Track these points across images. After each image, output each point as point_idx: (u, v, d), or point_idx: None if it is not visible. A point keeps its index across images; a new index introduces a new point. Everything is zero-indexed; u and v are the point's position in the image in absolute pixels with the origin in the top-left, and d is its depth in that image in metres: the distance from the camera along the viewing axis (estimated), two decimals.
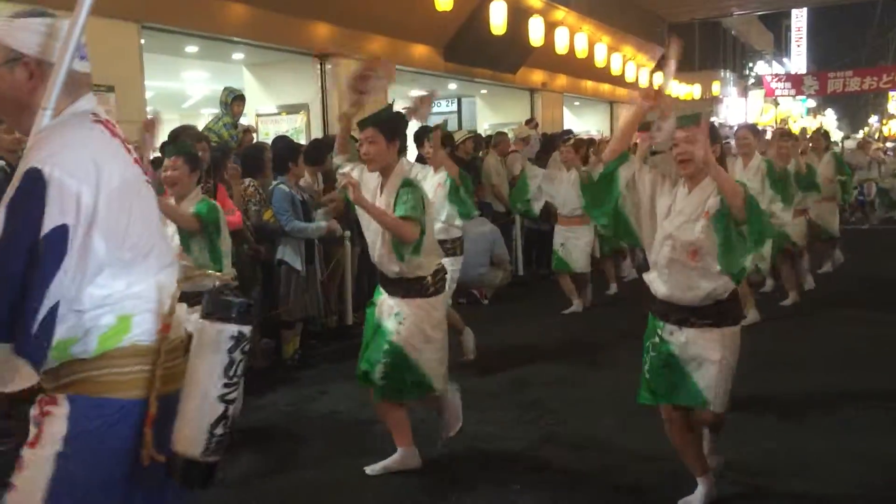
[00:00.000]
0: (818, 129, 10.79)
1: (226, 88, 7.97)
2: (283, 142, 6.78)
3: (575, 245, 7.74)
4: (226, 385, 1.82)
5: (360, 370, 4.03)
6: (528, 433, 4.62)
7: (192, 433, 1.80)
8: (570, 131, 8.65)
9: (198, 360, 1.83)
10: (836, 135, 37.67)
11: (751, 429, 4.44)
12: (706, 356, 3.33)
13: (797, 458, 4.14)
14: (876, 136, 30.96)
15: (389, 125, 3.89)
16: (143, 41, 7.53)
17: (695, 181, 3.31)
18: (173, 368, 1.87)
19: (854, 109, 47.91)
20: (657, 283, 3.41)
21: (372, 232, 3.93)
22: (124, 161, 1.86)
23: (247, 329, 1.85)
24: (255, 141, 7.58)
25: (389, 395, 3.99)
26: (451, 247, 5.88)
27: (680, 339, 3.37)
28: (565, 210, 7.69)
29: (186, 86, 12.05)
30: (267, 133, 10.09)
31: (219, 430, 1.81)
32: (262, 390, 5.40)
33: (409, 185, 3.86)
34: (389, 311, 3.96)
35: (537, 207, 7.86)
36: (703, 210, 3.24)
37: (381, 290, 4.05)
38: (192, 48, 9.27)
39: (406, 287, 3.94)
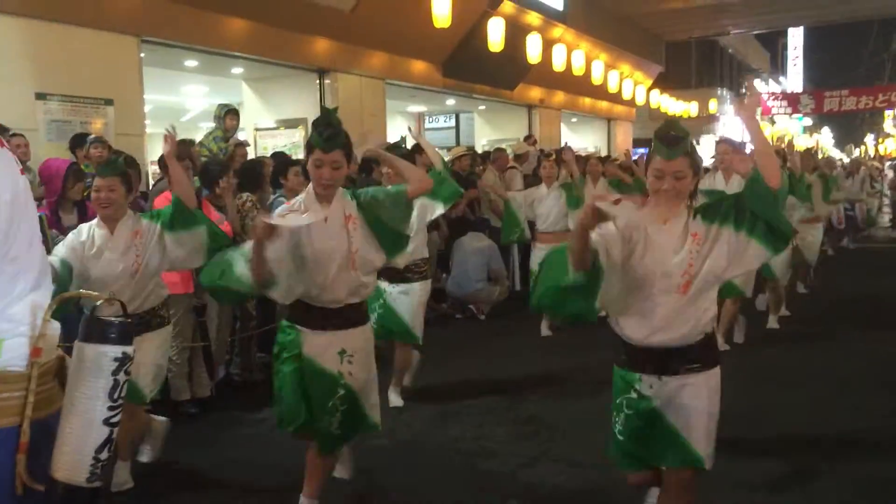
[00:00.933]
0: (808, 149, 10.64)
1: (220, 105, 8.02)
2: (277, 157, 6.85)
3: None
4: (110, 408, 1.75)
5: (296, 421, 3.47)
6: (525, 449, 4.60)
7: (74, 459, 1.73)
8: (567, 147, 8.58)
9: (78, 384, 1.75)
10: (834, 153, 37.90)
11: (748, 446, 4.43)
12: (695, 406, 2.90)
13: (797, 476, 4.14)
14: (872, 155, 31.13)
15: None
16: (142, 55, 7.55)
17: (671, 213, 2.85)
18: (46, 392, 1.77)
19: (850, 128, 48.15)
20: (635, 327, 2.91)
21: (327, 253, 3.33)
22: (14, 174, 1.78)
23: (130, 349, 1.78)
24: (247, 155, 7.59)
25: (338, 444, 3.60)
26: (422, 269, 5.45)
27: (663, 391, 2.91)
28: (545, 225, 7.39)
29: (185, 100, 12.08)
30: (265, 147, 10.11)
31: (103, 455, 1.75)
32: (258, 404, 5.38)
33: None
34: (329, 352, 3.42)
35: (527, 231, 7.71)
36: (691, 232, 2.84)
37: (303, 330, 3.44)
38: (191, 62, 9.31)
39: (347, 316, 3.46)
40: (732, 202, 2.89)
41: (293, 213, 3.33)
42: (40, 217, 4.74)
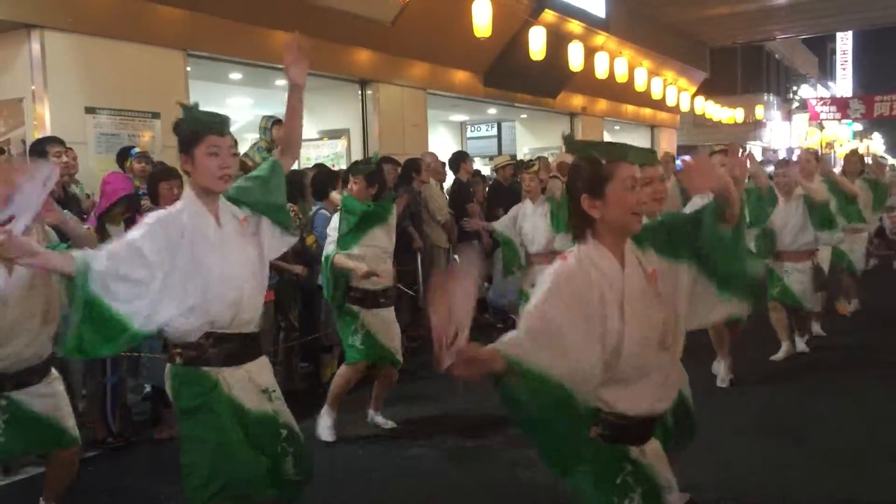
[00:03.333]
0: (853, 151, 9.65)
1: (265, 116, 8.12)
2: (320, 169, 6.89)
3: None
4: None
5: (257, 479, 2.84)
6: None
7: None
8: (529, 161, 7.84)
9: None
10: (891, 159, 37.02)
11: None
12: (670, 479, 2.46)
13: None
14: None
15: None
16: (188, 69, 7.69)
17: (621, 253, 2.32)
18: None
19: None
20: (629, 400, 2.34)
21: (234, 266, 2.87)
22: None
23: None
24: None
25: (300, 492, 3.09)
26: (392, 294, 5.19)
27: (649, 457, 2.43)
28: (533, 247, 6.44)
29: (230, 112, 12.22)
30: (308, 158, 10.21)
31: None
32: (300, 414, 5.40)
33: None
34: (253, 390, 2.91)
35: (523, 259, 6.76)
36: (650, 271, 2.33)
37: (218, 367, 2.83)
38: (236, 75, 9.45)
39: (256, 345, 3.00)
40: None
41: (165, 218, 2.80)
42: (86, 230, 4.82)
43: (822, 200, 6.47)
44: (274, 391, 2.97)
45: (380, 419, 5.31)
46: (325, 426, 5.04)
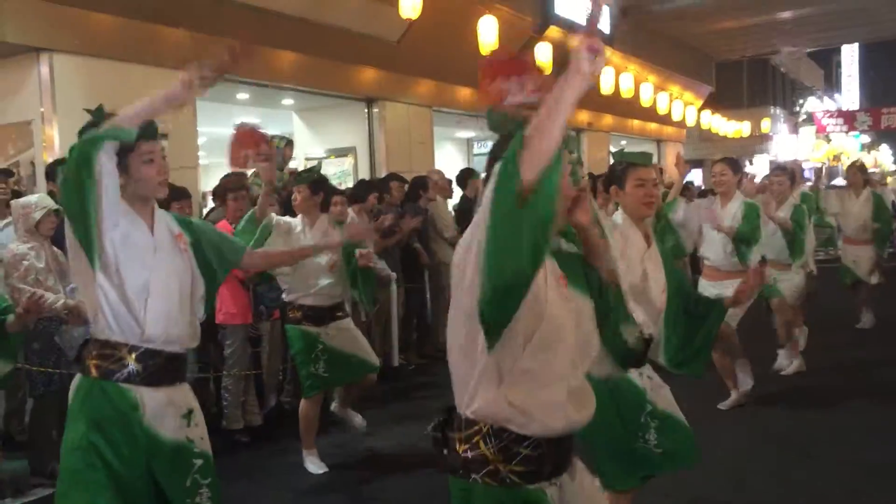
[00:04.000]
0: (854, 163, 9.43)
1: (274, 136, 8.16)
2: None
3: None
4: None
5: None
6: None
7: None
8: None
9: None
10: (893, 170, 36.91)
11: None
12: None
13: None
14: None
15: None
16: None
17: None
18: None
19: None
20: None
21: (172, 285, 2.70)
22: None
23: None
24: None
25: None
26: (342, 311, 4.95)
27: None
28: None
29: None
30: None
31: None
32: None
33: None
34: (172, 414, 2.66)
35: None
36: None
37: (137, 392, 2.59)
38: (243, 95, 9.50)
39: (182, 367, 2.80)
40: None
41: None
42: None
43: (789, 229, 6.30)
44: (195, 413, 2.73)
45: (357, 419, 5.14)
46: (311, 464, 4.85)
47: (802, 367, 6.67)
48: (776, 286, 6.39)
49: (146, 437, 2.56)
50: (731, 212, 5.59)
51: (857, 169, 8.67)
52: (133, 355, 2.58)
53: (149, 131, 2.73)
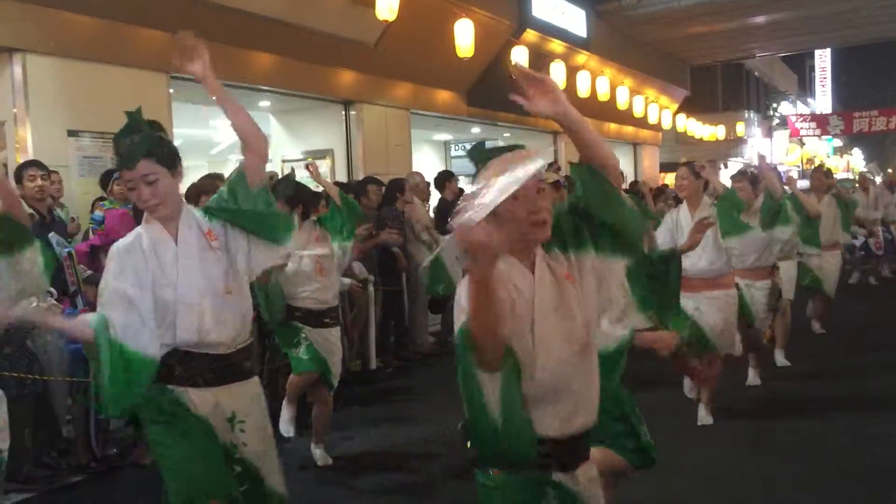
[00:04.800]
0: (819, 167, 9.22)
1: None
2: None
3: None
4: None
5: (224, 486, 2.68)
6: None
7: None
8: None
9: None
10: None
11: None
12: None
13: None
14: None
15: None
16: (171, 91, 7.69)
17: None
18: None
19: (881, 148, 47.56)
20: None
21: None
22: None
23: None
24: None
25: None
26: (330, 319, 4.96)
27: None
28: None
29: (214, 133, 12.25)
30: None
31: None
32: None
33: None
34: (218, 416, 2.72)
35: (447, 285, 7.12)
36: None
37: (186, 393, 2.71)
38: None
39: (232, 368, 2.79)
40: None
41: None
42: (69, 253, 4.81)
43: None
44: (242, 421, 2.75)
45: (319, 453, 4.98)
46: (284, 420, 4.87)
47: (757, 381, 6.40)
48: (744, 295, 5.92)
49: (203, 426, 2.69)
50: (704, 214, 5.34)
51: (822, 173, 8.53)
52: (176, 359, 2.69)
53: (125, 161, 2.69)
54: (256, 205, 2.75)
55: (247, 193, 2.75)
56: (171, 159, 2.73)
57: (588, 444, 2.20)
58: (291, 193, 4.76)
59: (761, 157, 7.13)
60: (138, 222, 2.90)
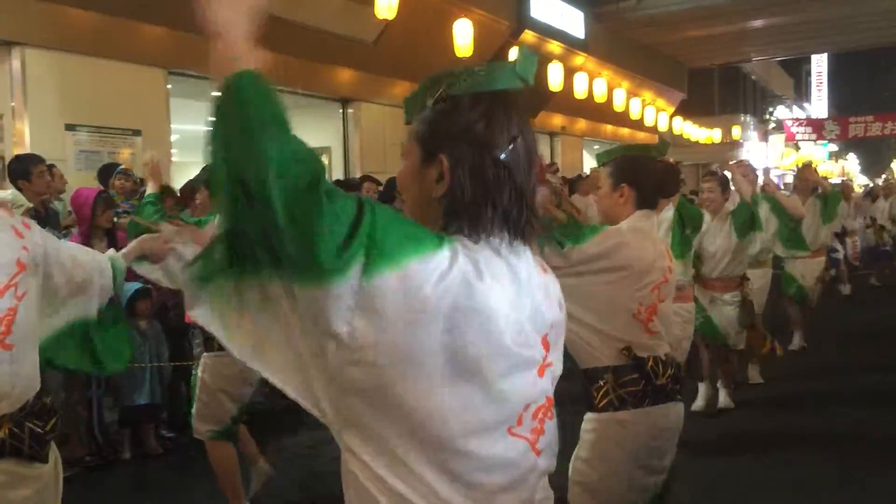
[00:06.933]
0: (804, 166, 8.79)
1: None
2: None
3: None
4: None
5: None
6: None
7: None
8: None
9: None
10: (860, 179, 37.47)
11: None
12: None
13: None
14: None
15: None
16: (169, 86, 7.69)
17: None
18: None
19: (877, 154, 47.71)
20: None
21: None
22: None
23: None
24: None
25: None
26: None
27: None
28: None
29: None
30: None
31: None
32: (280, 432, 5.40)
33: None
34: None
35: None
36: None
37: None
38: (217, 93, 9.44)
39: None
40: None
41: None
42: None
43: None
44: None
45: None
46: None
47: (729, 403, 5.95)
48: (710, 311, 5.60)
49: None
50: (724, 228, 5.35)
51: (809, 172, 8.08)
52: None
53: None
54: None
55: None
56: None
57: None
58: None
59: (736, 164, 6.56)
60: None
